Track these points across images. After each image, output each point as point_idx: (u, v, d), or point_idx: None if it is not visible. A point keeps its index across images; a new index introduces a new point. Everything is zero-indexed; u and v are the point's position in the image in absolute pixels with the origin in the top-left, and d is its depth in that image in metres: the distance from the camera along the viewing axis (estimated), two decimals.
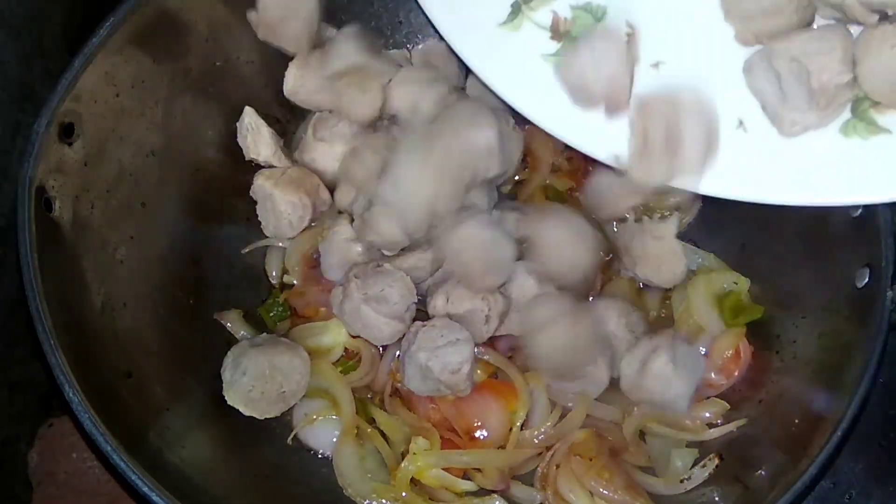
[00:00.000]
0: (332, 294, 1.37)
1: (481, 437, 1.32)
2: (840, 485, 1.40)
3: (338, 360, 1.41)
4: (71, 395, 1.08)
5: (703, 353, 1.36)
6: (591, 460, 1.29)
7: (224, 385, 1.32)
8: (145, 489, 1.09)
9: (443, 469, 1.30)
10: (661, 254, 1.39)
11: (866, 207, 1.21)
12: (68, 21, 1.53)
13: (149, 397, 1.25)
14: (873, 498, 1.40)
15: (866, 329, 1.16)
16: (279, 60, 1.48)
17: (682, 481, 1.28)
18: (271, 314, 1.46)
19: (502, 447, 1.32)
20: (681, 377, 1.28)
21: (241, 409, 1.31)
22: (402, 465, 1.28)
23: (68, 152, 1.22)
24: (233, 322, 1.43)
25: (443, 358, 1.27)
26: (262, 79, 1.50)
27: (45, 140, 1.18)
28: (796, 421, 1.21)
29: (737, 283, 1.42)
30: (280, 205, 1.45)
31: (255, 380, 1.31)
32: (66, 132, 1.22)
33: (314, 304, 1.43)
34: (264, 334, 1.41)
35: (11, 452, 1.43)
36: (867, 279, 1.20)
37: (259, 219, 1.47)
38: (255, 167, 1.49)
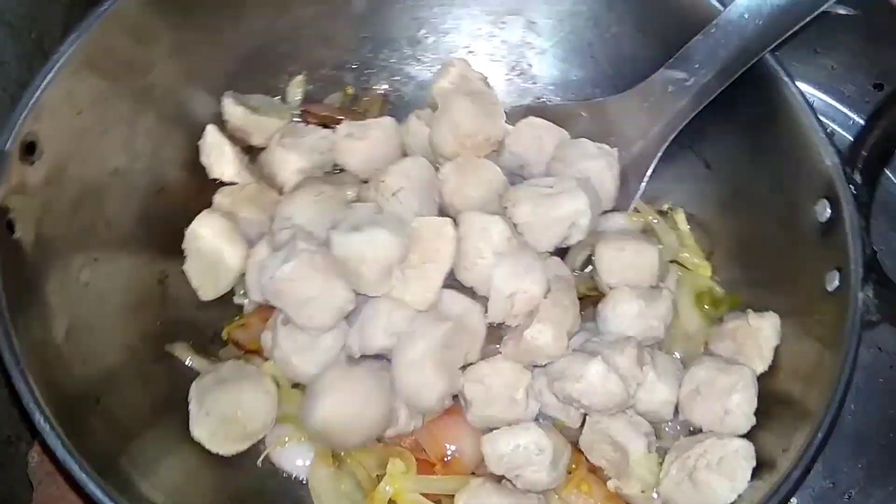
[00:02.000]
0: (262, 338, 1.33)
1: (454, 461, 1.29)
2: (840, 485, 1.41)
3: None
4: (41, 422, 1.04)
5: (679, 359, 1.37)
6: (569, 473, 1.28)
7: (190, 417, 1.29)
8: None
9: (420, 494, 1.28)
10: None
11: (834, 211, 1.23)
12: (68, 21, 1.51)
13: (119, 423, 1.21)
14: (873, 498, 1.41)
15: (840, 330, 1.17)
16: (243, 78, 1.47)
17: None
18: None
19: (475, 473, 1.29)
20: (664, 384, 1.28)
21: (205, 445, 1.29)
22: (380, 486, 1.26)
23: (30, 172, 1.18)
24: (182, 353, 1.38)
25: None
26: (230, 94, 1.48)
27: (7, 160, 1.14)
28: (777, 423, 1.23)
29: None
30: (239, 222, 1.42)
31: (218, 421, 1.28)
32: (28, 151, 1.18)
33: (256, 337, 1.37)
34: (230, 361, 1.36)
35: (12, 452, 1.41)
36: (837, 282, 1.21)
37: None
38: (220, 185, 1.47)
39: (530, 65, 1.59)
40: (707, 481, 1.19)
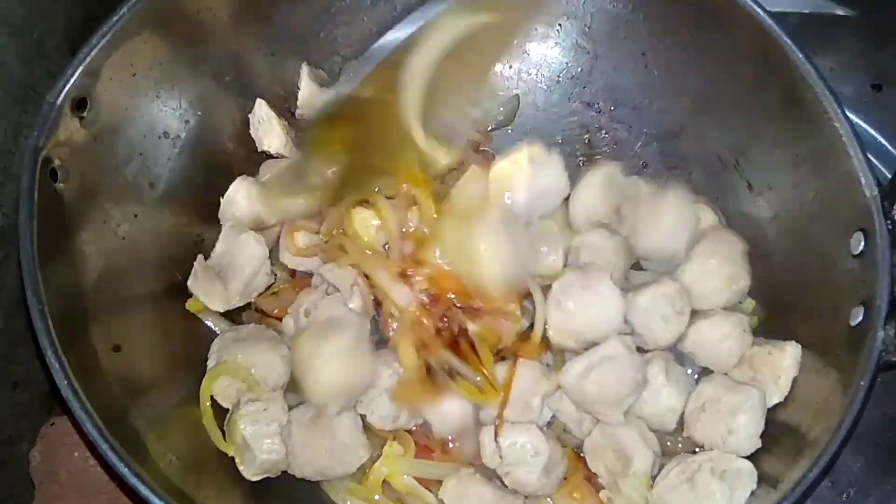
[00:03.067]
0: (284, 322, 1.37)
1: (455, 450, 1.31)
2: (838, 484, 1.39)
3: None
4: (53, 360, 1.08)
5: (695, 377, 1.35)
6: (565, 479, 1.28)
7: (207, 372, 1.33)
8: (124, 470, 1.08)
9: (414, 478, 1.29)
10: None
11: (867, 245, 1.20)
12: (70, 22, 1.54)
13: (135, 374, 1.26)
14: (871, 497, 1.39)
15: (857, 368, 1.13)
16: (298, 55, 1.51)
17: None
18: None
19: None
20: (672, 391, 1.27)
21: (219, 402, 1.32)
22: (375, 466, 1.28)
23: (79, 126, 1.24)
24: (198, 312, 1.41)
25: (378, 412, 1.28)
26: (280, 71, 1.52)
27: (56, 112, 1.20)
28: (780, 452, 1.20)
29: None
30: None
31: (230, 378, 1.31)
32: (79, 106, 1.23)
33: (285, 305, 1.41)
34: (252, 325, 1.40)
35: (13, 451, 1.43)
36: (861, 318, 1.18)
37: None
38: (266, 157, 1.51)
39: (582, 69, 1.58)
40: (707, 484, 1.18)
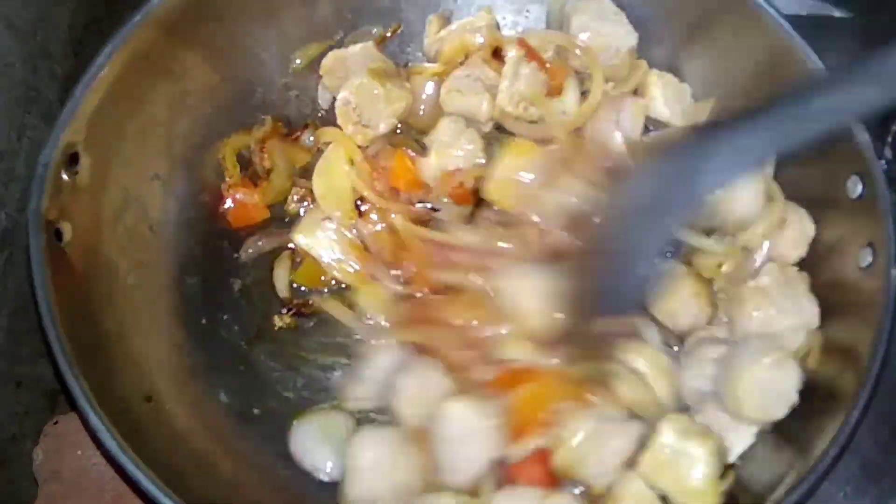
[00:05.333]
0: None
1: None
2: (835, 482, 1.40)
3: None
4: (96, 422, 1.08)
5: None
6: None
7: None
8: None
9: None
10: None
11: (865, 187, 1.23)
12: (73, 24, 1.55)
13: (170, 420, 1.26)
14: (868, 495, 1.40)
15: (874, 309, 1.17)
16: (280, 79, 1.52)
17: None
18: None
19: None
20: None
21: None
22: None
23: (74, 182, 1.23)
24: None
25: None
26: (263, 97, 1.51)
27: (51, 172, 1.19)
28: (811, 403, 1.23)
29: None
30: None
31: None
32: (71, 162, 1.22)
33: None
34: None
35: (17, 450, 1.42)
36: (870, 259, 1.22)
37: None
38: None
39: None
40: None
